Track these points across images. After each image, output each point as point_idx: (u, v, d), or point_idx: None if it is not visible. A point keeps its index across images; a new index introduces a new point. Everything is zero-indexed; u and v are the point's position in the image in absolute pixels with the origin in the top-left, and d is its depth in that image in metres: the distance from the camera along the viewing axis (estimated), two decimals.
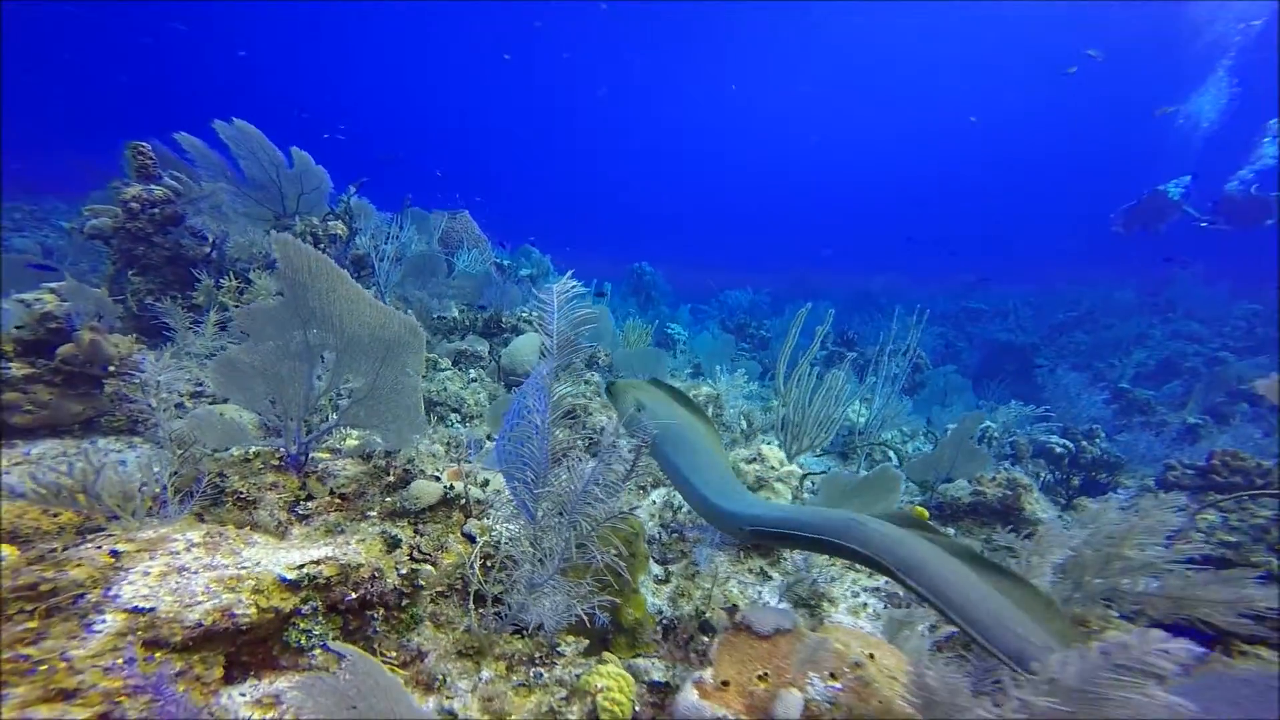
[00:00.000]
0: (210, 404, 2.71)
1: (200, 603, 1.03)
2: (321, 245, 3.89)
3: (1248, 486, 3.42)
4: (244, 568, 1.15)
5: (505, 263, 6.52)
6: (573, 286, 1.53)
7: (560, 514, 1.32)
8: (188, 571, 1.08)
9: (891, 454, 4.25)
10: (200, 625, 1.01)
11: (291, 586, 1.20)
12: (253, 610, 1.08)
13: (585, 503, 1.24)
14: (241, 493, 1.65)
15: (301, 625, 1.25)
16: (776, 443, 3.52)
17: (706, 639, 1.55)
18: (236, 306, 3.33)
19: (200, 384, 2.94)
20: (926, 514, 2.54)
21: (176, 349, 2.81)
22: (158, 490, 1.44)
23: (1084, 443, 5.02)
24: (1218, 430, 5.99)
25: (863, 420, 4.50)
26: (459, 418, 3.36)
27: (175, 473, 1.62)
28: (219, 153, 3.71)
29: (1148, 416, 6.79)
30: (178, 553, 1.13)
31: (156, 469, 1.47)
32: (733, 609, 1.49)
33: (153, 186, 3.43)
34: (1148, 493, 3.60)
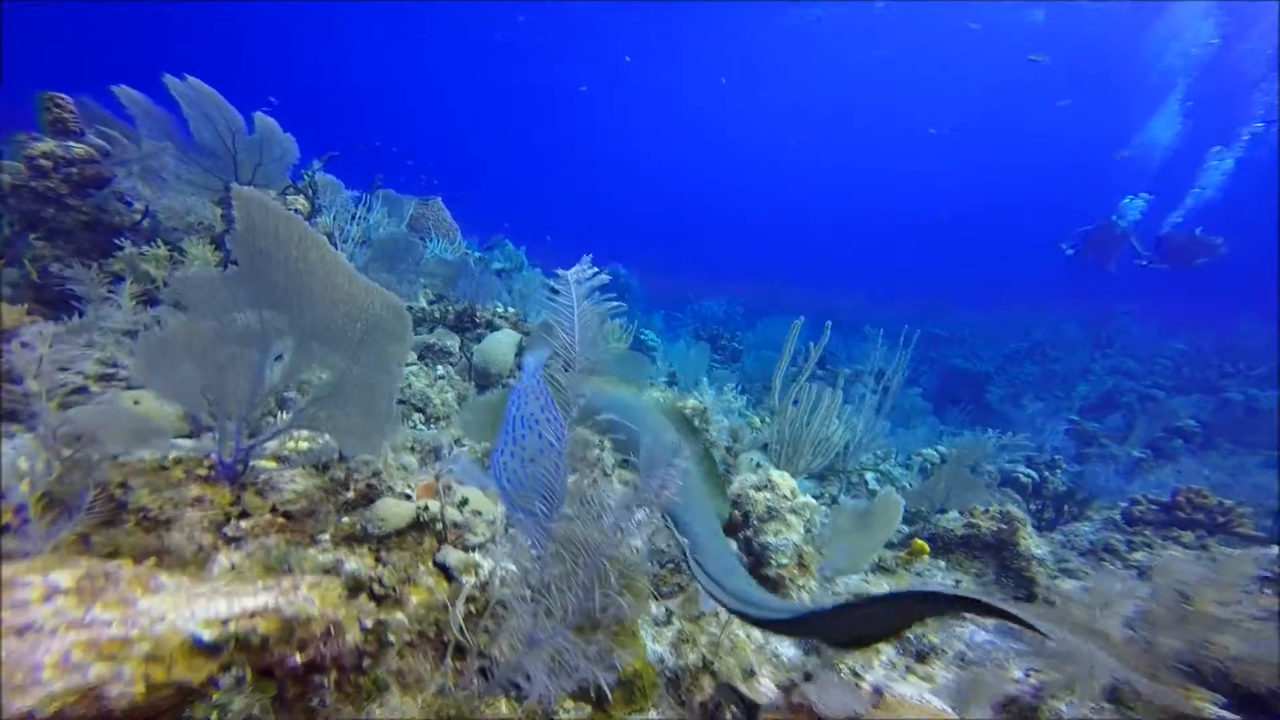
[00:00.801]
0: (125, 389, 2.26)
1: (44, 684, 0.70)
2: None
3: (1210, 524, 3.51)
4: (137, 625, 0.82)
5: (477, 255, 6.16)
6: (595, 274, 1.28)
7: (576, 553, 1.05)
8: (37, 633, 0.74)
9: (877, 478, 4.15)
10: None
11: (209, 651, 0.87)
12: (138, 687, 0.76)
13: (614, 543, 0.98)
14: (150, 510, 1.28)
15: (215, 698, 0.92)
16: (762, 460, 3.35)
17: (736, 711, 1.30)
18: (166, 278, 2.87)
19: (113, 364, 2.47)
20: (927, 548, 2.41)
21: (84, 322, 2.35)
22: (23, 503, 1.08)
23: (1047, 473, 5.13)
24: (1158, 464, 6.30)
25: (841, 441, 4.39)
26: (423, 418, 3.00)
27: (57, 479, 1.24)
28: (167, 111, 3.23)
29: (1095, 449, 7.09)
30: (26, 604, 0.78)
31: (22, 472, 1.11)
32: (790, 686, 1.25)
33: (71, 144, 2.93)
34: (1113, 527, 3.67)
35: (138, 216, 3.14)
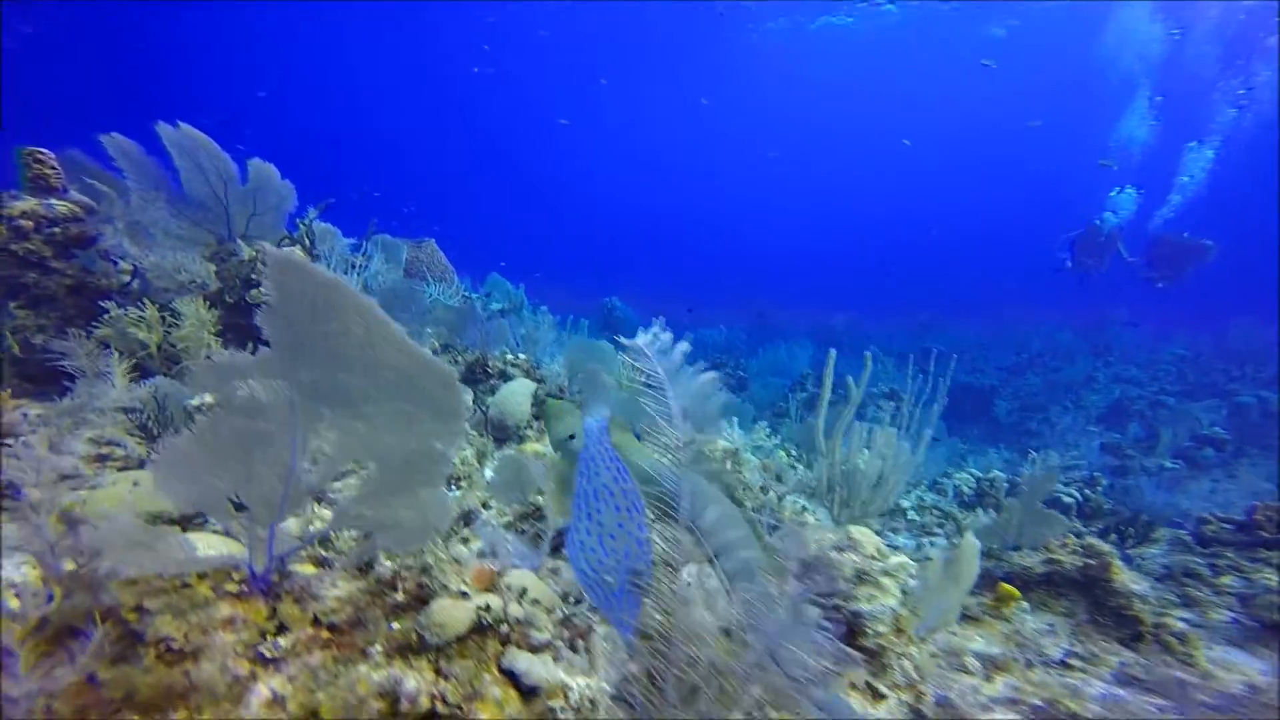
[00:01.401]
0: (121, 469, 2.07)
1: None
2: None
3: None
4: None
5: (474, 295, 6.05)
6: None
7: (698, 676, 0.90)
8: None
9: (914, 508, 4.02)
10: None
11: None
12: None
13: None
14: (172, 640, 1.11)
15: None
16: (806, 505, 3.20)
17: None
18: (163, 340, 2.71)
19: (108, 442, 2.28)
20: (1017, 594, 2.27)
21: (75, 404, 2.16)
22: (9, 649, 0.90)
23: (1088, 492, 5.03)
24: (1194, 475, 6.24)
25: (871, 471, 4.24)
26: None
27: (57, 607, 1.07)
28: (158, 161, 3.12)
29: (1122, 461, 7.04)
30: None
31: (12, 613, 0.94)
32: None
33: (54, 201, 2.80)
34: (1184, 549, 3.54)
35: (126, 277, 2.98)
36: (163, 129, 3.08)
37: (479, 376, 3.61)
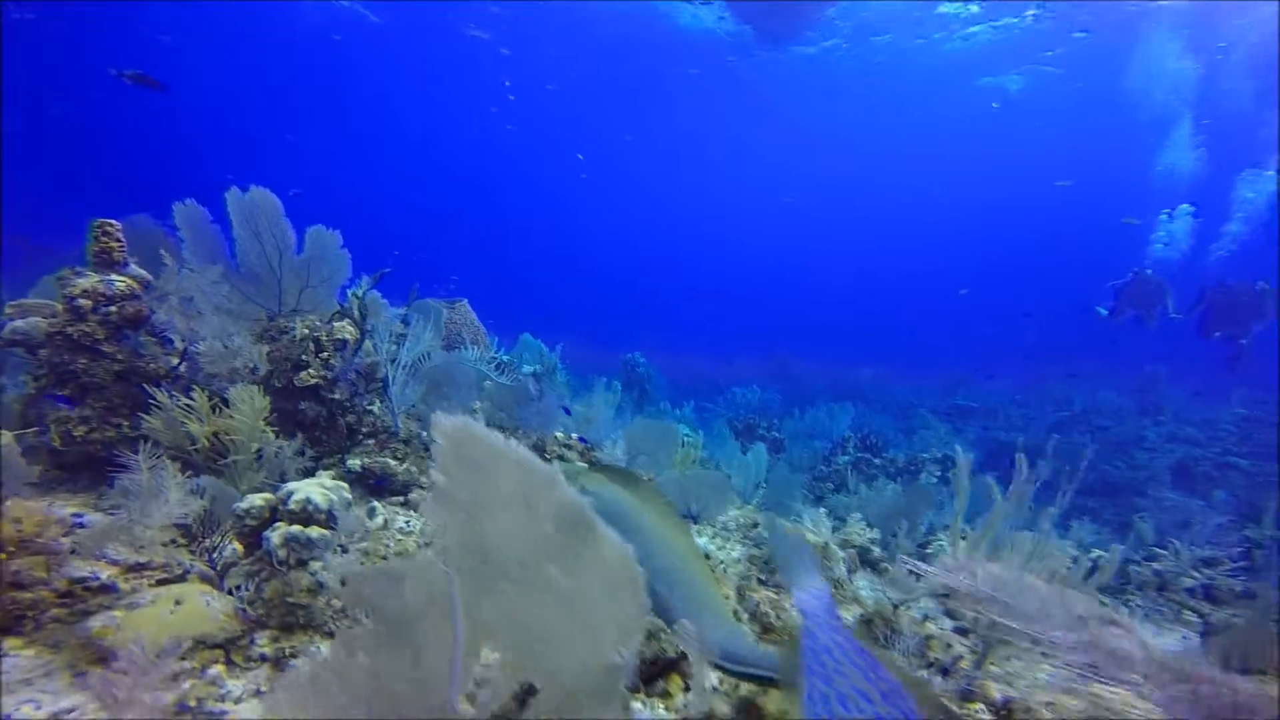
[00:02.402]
0: (158, 583, 1.85)
1: None
2: (324, 354, 3.20)
3: None
4: None
5: (504, 358, 5.91)
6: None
7: None
8: None
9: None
10: None
11: None
12: None
13: None
14: None
15: None
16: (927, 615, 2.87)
17: None
18: (208, 436, 2.54)
19: (147, 545, 2.08)
20: None
21: (123, 522, 1.97)
22: None
23: (1208, 571, 4.61)
24: None
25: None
26: None
27: None
28: (220, 229, 3.08)
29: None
30: None
31: None
32: None
33: (114, 277, 2.72)
34: None
35: (174, 361, 2.87)
36: (233, 195, 3.05)
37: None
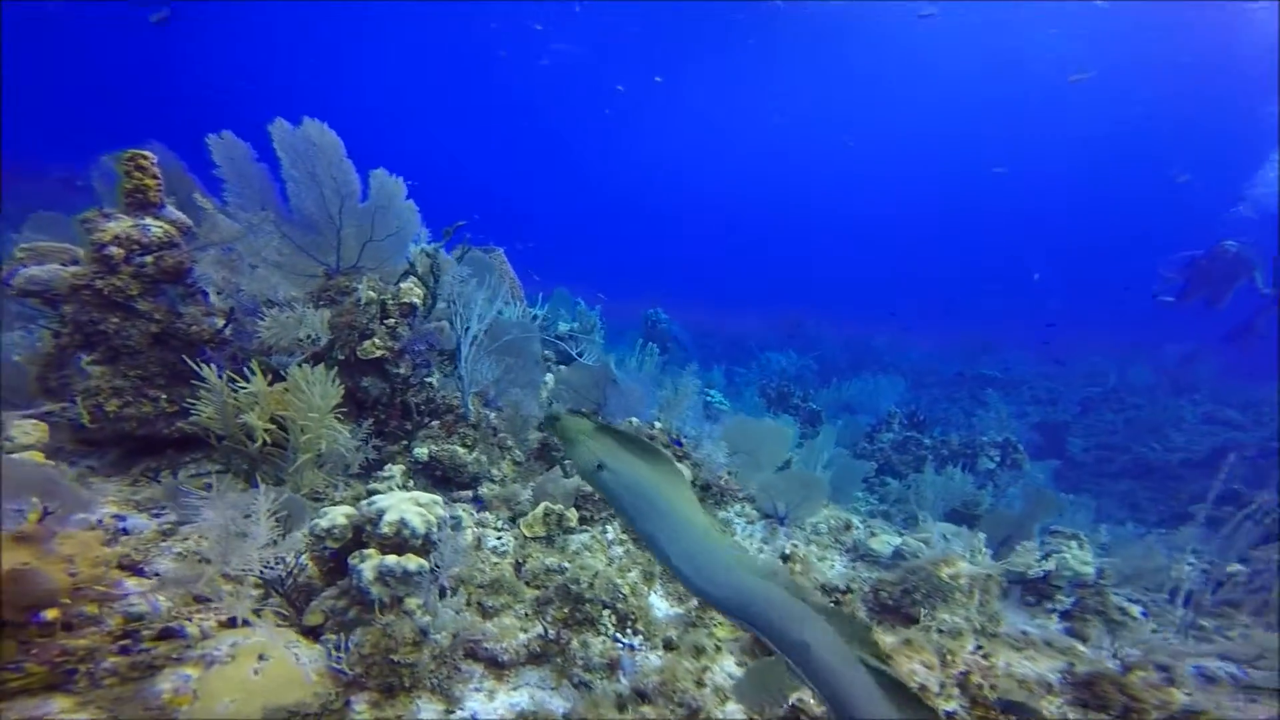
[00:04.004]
0: (227, 625, 1.51)
1: None
2: (390, 321, 2.79)
3: None
4: None
5: (538, 314, 5.47)
6: None
7: None
8: None
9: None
10: None
11: None
12: None
13: None
14: None
15: None
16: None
17: None
18: (269, 438, 2.16)
19: (202, 557, 1.74)
20: None
21: (210, 560, 1.62)
22: None
23: None
24: None
25: (1088, 568, 3.38)
26: (614, 620, 2.19)
27: None
28: (267, 169, 2.61)
29: None
30: None
31: None
32: None
33: (149, 222, 2.28)
34: None
35: (219, 323, 2.46)
36: (278, 127, 2.57)
37: None
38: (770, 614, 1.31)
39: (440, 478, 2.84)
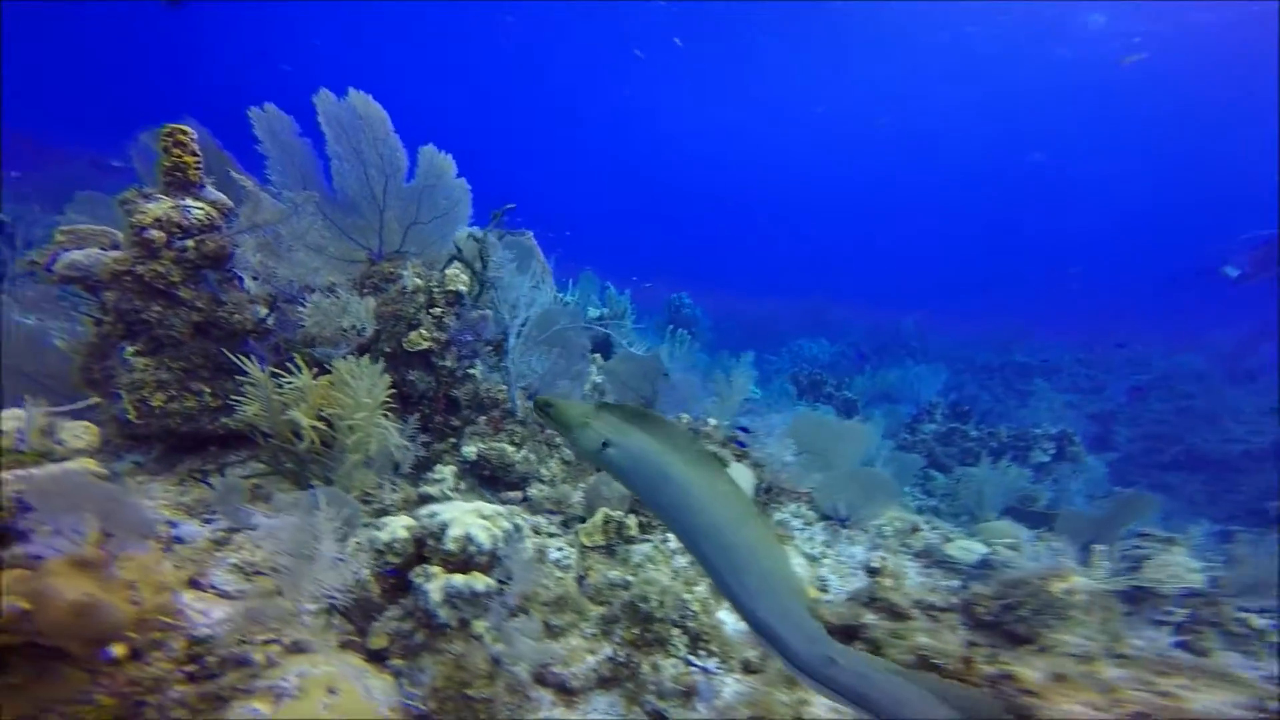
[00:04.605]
0: (295, 652, 1.42)
1: None
2: (436, 310, 2.66)
3: None
4: None
5: (567, 299, 5.30)
6: None
7: None
8: None
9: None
10: None
11: None
12: None
13: None
14: None
15: None
16: None
17: None
18: (317, 439, 2.06)
19: (253, 570, 1.66)
20: None
21: (277, 588, 1.53)
22: None
23: None
24: None
25: (1196, 575, 3.13)
26: (686, 641, 2.07)
27: None
28: (311, 145, 2.47)
29: None
30: None
31: None
32: None
33: (189, 203, 2.16)
34: None
35: (262, 311, 2.36)
36: (323, 99, 2.42)
37: None
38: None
39: (487, 477, 2.75)
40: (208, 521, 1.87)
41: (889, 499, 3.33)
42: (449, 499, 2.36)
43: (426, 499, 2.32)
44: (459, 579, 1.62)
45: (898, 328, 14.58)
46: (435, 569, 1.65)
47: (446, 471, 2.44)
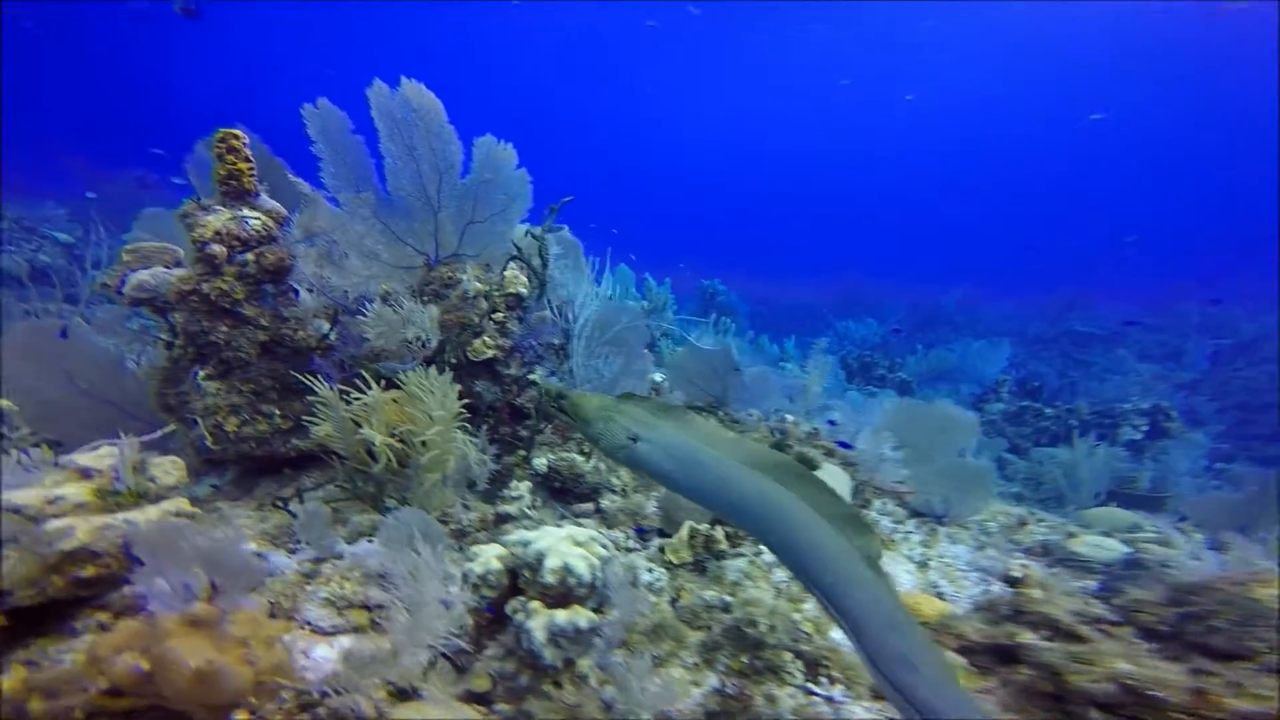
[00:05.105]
0: (412, 702, 1.36)
1: None
2: (498, 316, 2.56)
3: None
4: None
5: (612, 294, 5.14)
6: None
7: None
8: None
9: None
10: None
11: None
12: None
13: None
14: None
15: None
16: None
17: None
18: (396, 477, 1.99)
19: (363, 602, 1.61)
20: None
21: (310, 567, 1.46)
22: None
23: None
24: None
25: None
26: (802, 667, 1.93)
27: None
28: (364, 142, 2.38)
29: None
30: None
31: None
32: None
33: (246, 213, 2.10)
34: None
35: (325, 326, 2.30)
36: (376, 91, 2.30)
37: None
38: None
39: (558, 489, 2.66)
40: (293, 551, 1.83)
41: (987, 491, 3.12)
42: (527, 517, 2.28)
43: (504, 518, 2.24)
44: (562, 616, 1.53)
45: (939, 304, 14.00)
46: (535, 604, 1.56)
47: (523, 488, 2.36)
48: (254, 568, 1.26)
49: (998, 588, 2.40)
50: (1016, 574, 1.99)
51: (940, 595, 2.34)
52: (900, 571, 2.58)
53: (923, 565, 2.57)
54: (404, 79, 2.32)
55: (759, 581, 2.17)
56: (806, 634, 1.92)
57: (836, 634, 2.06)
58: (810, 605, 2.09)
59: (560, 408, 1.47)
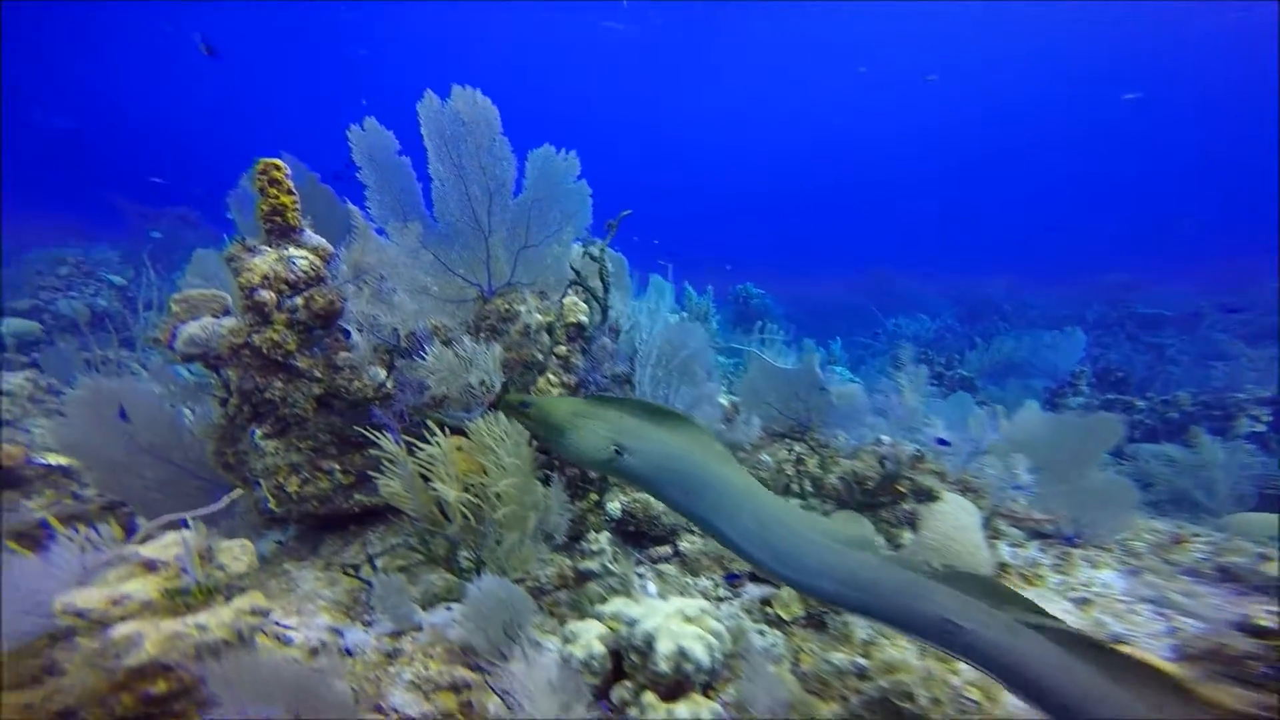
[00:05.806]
0: None
1: None
2: (560, 349, 2.39)
3: None
4: None
5: (676, 315, 4.96)
6: None
7: None
8: None
9: None
10: None
11: None
12: None
13: None
14: None
15: None
16: None
17: None
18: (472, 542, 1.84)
19: (445, 686, 1.46)
20: None
21: (385, 641, 1.31)
22: None
23: None
24: None
25: None
26: None
27: None
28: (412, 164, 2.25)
29: None
30: None
31: None
32: None
33: (293, 252, 1.99)
34: None
35: (382, 374, 2.17)
36: (427, 104, 2.17)
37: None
38: (893, 598, 1.17)
39: (633, 533, 2.48)
40: (369, 624, 1.70)
41: (1128, 508, 2.78)
42: (610, 573, 2.10)
43: (586, 575, 2.06)
44: (683, 711, 1.33)
45: (985, 294, 13.44)
46: (649, 697, 1.37)
47: (603, 540, 2.18)
48: (346, 702, 1.10)
49: (1192, 624, 2.08)
50: (1266, 623, 1.69)
51: (1118, 640, 2.05)
52: (1056, 611, 2.30)
53: (1084, 603, 2.27)
54: (456, 88, 2.18)
55: (895, 639, 1.93)
56: (974, 702, 1.68)
57: (1010, 699, 1.81)
58: (965, 668, 1.85)
59: (523, 414, 1.34)
